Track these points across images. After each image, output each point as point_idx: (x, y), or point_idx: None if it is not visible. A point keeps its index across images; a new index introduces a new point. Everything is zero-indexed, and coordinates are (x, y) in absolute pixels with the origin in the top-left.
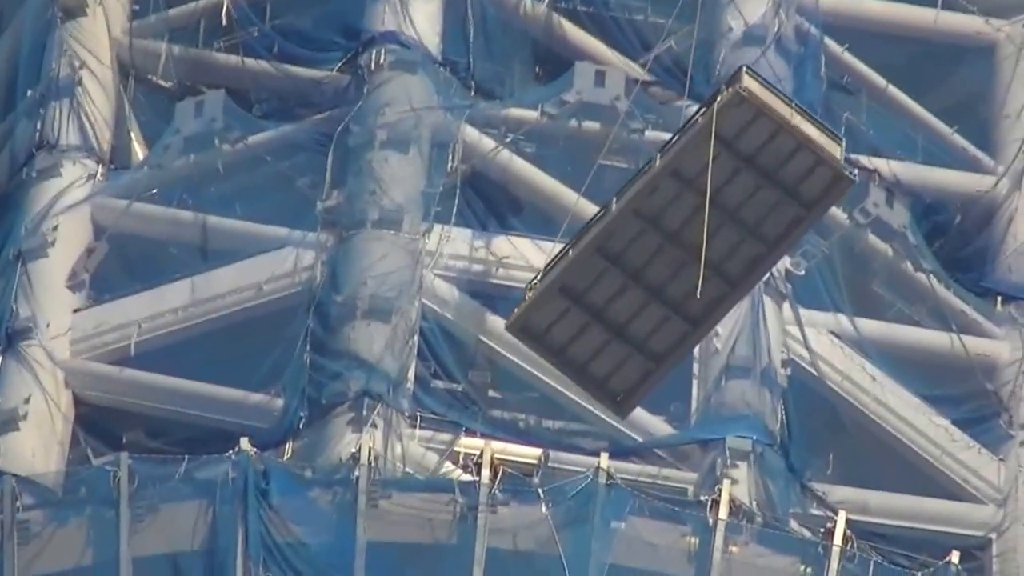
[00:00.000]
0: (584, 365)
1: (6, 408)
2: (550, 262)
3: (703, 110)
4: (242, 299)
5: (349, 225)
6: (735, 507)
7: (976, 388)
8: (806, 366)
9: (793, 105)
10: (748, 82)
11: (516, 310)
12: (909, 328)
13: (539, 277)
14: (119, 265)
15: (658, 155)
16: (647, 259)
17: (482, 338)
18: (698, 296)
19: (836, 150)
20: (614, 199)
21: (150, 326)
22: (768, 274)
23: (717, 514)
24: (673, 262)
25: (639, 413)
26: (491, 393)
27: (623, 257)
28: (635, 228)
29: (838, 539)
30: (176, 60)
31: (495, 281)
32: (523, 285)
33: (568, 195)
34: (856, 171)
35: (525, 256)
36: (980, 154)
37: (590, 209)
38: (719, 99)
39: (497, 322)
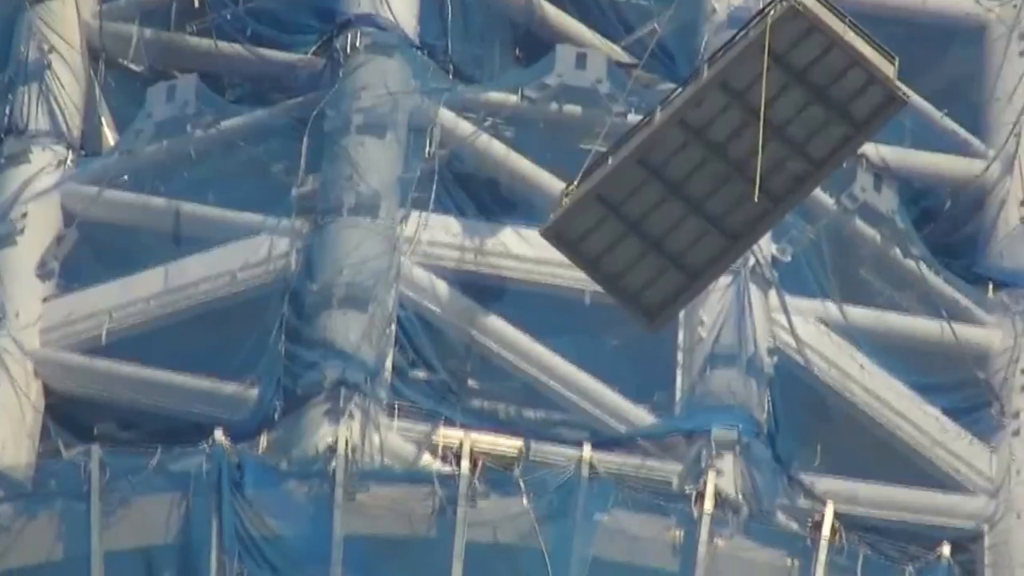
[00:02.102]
0: (618, 276)
1: None
2: (588, 168)
3: (755, 22)
4: (216, 287)
5: (325, 212)
6: (720, 499)
7: (967, 377)
8: (793, 354)
9: (847, 21)
10: None
11: (551, 215)
12: (898, 315)
13: (576, 183)
14: (90, 253)
15: (705, 65)
16: (689, 172)
17: (462, 327)
18: (756, 201)
19: (889, 69)
20: (658, 108)
21: (122, 315)
22: (756, 259)
23: (702, 506)
24: (716, 176)
25: (621, 403)
26: (471, 383)
27: (664, 168)
28: (678, 140)
29: (826, 531)
30: (147, 44)
31: (475, 268)
32: (503, 273)
33: (549, 180)
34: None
35: (505, 243)
36: (970, 138)
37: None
38: (773, 11)
39: (477, 310)
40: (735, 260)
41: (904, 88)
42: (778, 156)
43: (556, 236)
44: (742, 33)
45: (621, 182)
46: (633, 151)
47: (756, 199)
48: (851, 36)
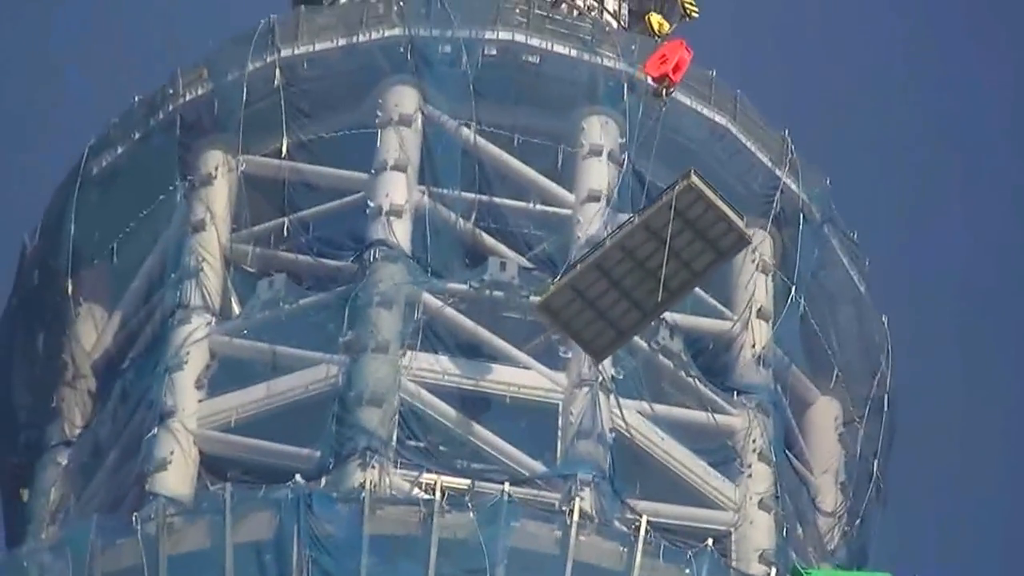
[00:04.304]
0: (579, 331)
1: (159, 458)
2: (565, 269)
3: (667, 192)
4: (296, 394)
5: (358, 351)
6: (583, 513)
7: (722, 444)
8: (623, 431)
9: (718, 193)
10: (693, 178)
11: (543, 296)
12: (683, 409)
13: (557, 279)
14: (225, 374)
15: (636, 215)
16: (623, 274)
17: (437, 416)
18: (659, 301)
19: (741, 222)
20: (607, 238)
21: (244, 410)
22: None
23: (573, 517)
24: (639, 278)
25: (526, 459)
26: (442, 448)
27: (610, 272)
28: (619, 256)
29: (642, 532)
30: (257, 256)
31: (445, 382)
32: (461, 384)
33: (484, 333)
34: (752, 234)
35: (459, 369)
36: (724, 309)
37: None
38: (678, 186)
39: (445, 407)
40: (648, 327)
41: (749, 233)
42: (675, 268)
43: (545, 309)
44: (659, 197)
45: (585, 278)
46: (592, 261)
47: (660, 294)
48: (720, 202)
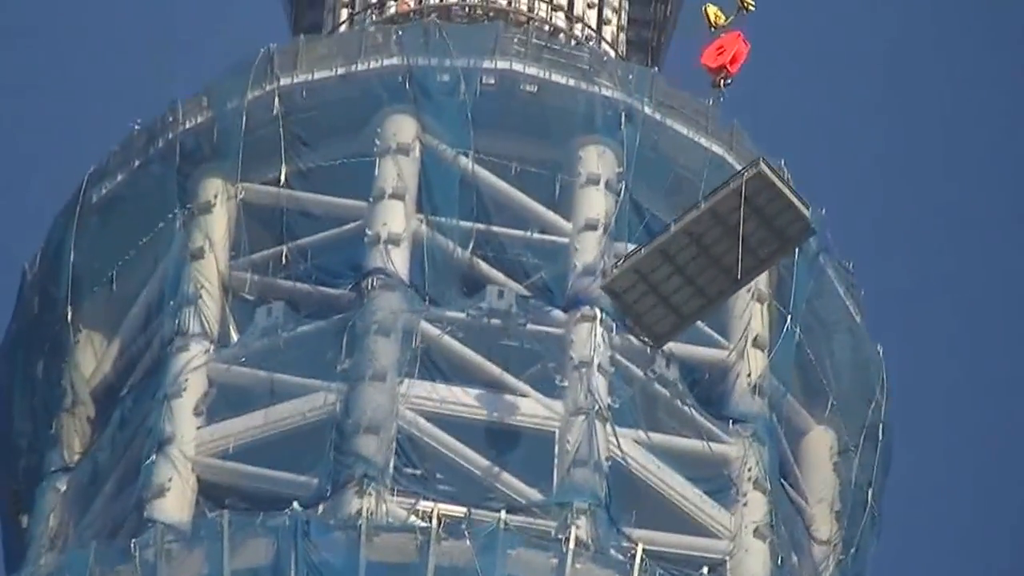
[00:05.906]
0: (641, 315)
1: (158, 484)
2: (631, 252)
3: (735, 178)
4: (294, 421)
5: (356, 379)
6: (579, 541)
7: (718, 472)
8: (619, 460)
9: (786, 182)
10: (762, 166)
11: (606, 278)
12: (679, 438)
13: (622, 261)
14: (223, 402)
15: (702, 201)
16: (688, 260)
17: (433, 444)
18: (738, 278)
19: (807, 211)
20: (672, 222)
21: (242, 437)
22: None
23: (569, 545)
24: (703, 264)
25: (523, 486)
26: (438, 475)
27: (674, 257)
28: (684, 241)
29: (638, 560)
30: (256, 283)
31: (441, 410)
32: (457, 412)
33: (481, 361)
34: (816, 224)
35: (457, 397)
36: (720, 338)
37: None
38: (747, 173)
39: (441, 434)
40: (710, 314)
41: (815, 221)
42: (741, 255)
43: (608, 290)
44: (726, 184)
45: (649, 262)
46: (657, 246)
47: (738, 277)
48: (787, 191)
